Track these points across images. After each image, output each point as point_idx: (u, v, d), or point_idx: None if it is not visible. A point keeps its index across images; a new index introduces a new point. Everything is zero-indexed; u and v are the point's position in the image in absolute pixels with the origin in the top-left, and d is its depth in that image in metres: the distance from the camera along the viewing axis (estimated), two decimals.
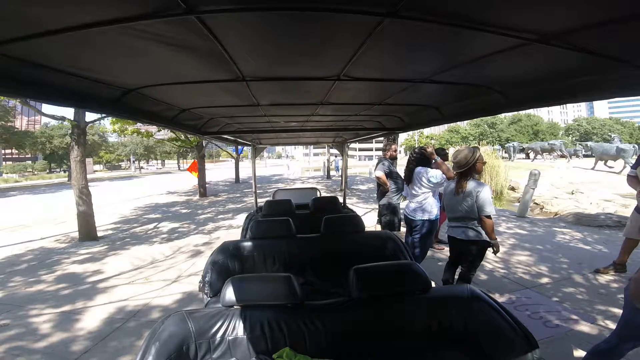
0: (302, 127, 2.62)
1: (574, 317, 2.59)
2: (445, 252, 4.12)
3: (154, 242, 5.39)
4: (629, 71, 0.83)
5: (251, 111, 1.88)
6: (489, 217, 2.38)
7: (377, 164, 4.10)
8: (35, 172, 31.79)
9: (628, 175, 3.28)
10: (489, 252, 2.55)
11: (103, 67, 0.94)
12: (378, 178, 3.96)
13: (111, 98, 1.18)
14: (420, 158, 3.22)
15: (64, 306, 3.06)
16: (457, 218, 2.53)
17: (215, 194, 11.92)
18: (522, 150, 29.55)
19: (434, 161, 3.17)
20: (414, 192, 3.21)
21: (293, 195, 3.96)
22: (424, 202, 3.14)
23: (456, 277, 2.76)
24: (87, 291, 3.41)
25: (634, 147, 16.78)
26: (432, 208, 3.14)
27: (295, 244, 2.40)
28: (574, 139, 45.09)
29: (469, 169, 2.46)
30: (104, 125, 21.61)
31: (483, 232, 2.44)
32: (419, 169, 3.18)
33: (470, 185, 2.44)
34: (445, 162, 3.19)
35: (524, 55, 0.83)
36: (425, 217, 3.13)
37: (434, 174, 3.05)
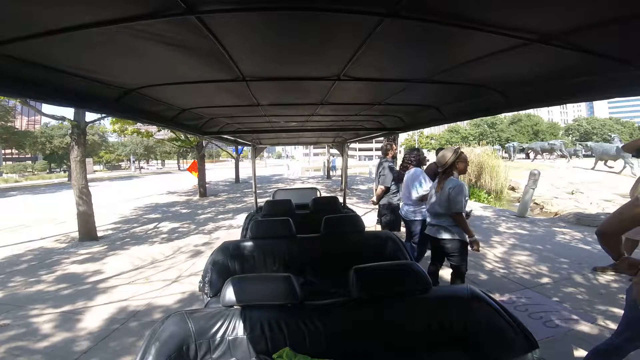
0: (302, 127, 2.61)
1: (574, 317, 2.59)
2: None
3: (154, 242, 5.39)
4: (629, 71, 0.82)
5: (251, 111, 1.88)
6: (459, 213, 2.46)
7: (385, 167, 3.79)
8: (35, 172, 31.75)
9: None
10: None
11: (103, 67, 0.94)
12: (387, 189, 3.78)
13: (111, 98, 1.18)
14: (418, 161, 3.36)
15: (64, 306, 3.06)
16: (434, 215, 2.64)
17: (215, 194, 11.92)
18: (522, 150, 29.52)
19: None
20: (411, 193, 3.24)
21: (293, 195, 3.96)
22: (417, 201, 3.21)
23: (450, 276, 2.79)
24: (88, 291, 3.41)
25: None
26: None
27: (295, 244, 2.40)
28: (574, 139, 45.00)
29: (449, 167, 2.57)
30: (104, 125, 21.61)
31: (456, 230, 2.51)
32: (418, 171, 3.23)
33: (448, 183, 2.53)
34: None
35: (524, 55, 0.83)
36: (421, 217, 3.19)
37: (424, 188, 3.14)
